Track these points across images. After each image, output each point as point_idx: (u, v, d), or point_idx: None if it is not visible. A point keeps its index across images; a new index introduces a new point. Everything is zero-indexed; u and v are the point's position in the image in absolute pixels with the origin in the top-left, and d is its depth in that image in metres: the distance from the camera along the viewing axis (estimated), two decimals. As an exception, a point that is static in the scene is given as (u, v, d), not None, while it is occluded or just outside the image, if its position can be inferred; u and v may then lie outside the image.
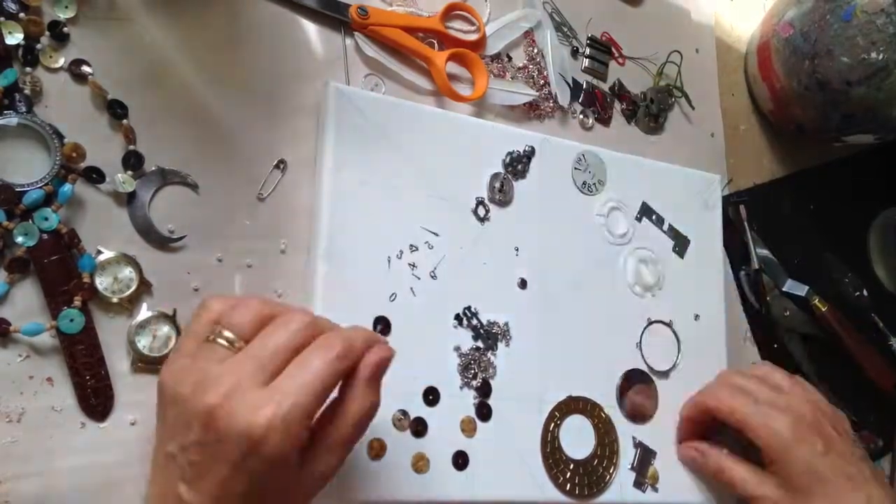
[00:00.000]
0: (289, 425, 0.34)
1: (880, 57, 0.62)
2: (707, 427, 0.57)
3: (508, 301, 0.53)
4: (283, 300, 0.47)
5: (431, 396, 0.49)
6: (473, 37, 0.57)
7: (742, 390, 0.55)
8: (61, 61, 0.43)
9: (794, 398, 0.54)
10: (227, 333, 0.36)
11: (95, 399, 0.41)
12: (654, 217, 0.61)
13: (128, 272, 0.43)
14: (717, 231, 0.65)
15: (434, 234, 0.51)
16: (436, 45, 0.56)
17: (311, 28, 0.52)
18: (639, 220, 0.60)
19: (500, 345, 0.52)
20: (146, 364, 0.42)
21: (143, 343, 0.42)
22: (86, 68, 0.43)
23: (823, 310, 0.71)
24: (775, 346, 0.70)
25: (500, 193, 0.54)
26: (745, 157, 0.73)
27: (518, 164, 0.55)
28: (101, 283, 0.42)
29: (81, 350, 0.40)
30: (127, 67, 0.45)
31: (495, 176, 0.54)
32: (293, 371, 0.35)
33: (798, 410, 0.53)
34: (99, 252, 0.42)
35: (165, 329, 0.43)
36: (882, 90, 0.64)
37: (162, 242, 0.44)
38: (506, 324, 0.52)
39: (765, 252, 0.70)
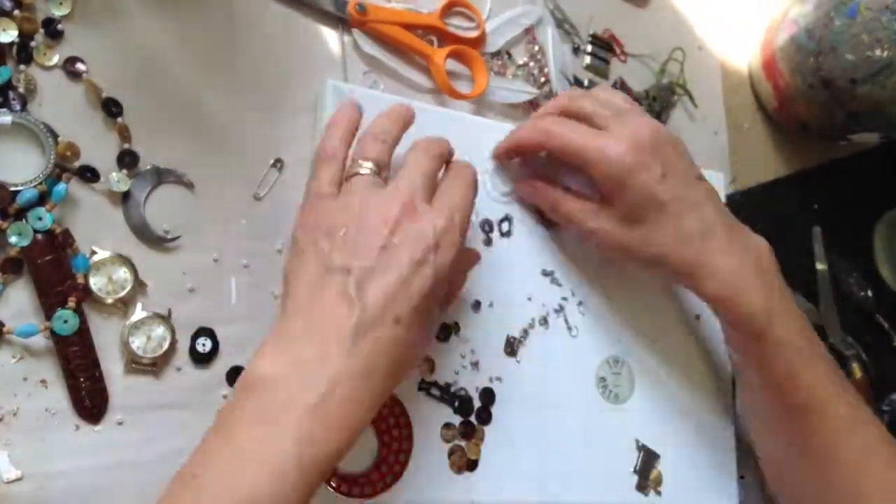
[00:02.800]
0: (455, 235, 0.40)
1: (885, 54, 0.62)
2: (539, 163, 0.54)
3: (515, 300, 0.52)
4: (281, 300, 0.47)
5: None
6: (473, 34, 0.56)
7: (575, 117, 0.50)
8: (55, 59, 0.42)
9: (632, 121, 0.49)
10: (368, 164, 0.41)
11: (90, 401, 0.40)
12: None
13: (122, 273, 0.42)
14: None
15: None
16: (435, 42, 0.55)
17: (308, 25, 0.51)
18: None
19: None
20: (139, 365, 0.42)
21: (137, 344, 0.42)
22: (80, 66, 0.43)
23: (857, 377, 0.69)
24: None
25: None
26: (748, 156, 0.73)
27: None
28: (96, 283, 0.41)
29: (76, 352, 0.40)
30: (122, 65, 0.44)
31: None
32: (447, 191, 0.42)
33: (636, 134, 0.48)
34: (93, 252, 0.42)
35: (160, 330, 0.42)
36: (887, 88, 0.63)
37: (157, 242, 0.44)
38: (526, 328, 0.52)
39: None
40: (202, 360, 0.44)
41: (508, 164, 0.54)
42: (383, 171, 0.42)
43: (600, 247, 0.52)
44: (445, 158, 0.44)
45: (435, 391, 0.48)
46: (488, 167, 0.53)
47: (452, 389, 0.49)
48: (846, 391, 0.50)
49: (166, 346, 0.42)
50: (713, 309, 0.51)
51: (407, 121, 0.45)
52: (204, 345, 0.44)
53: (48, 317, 0.40)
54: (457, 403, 0.49)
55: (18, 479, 0.38)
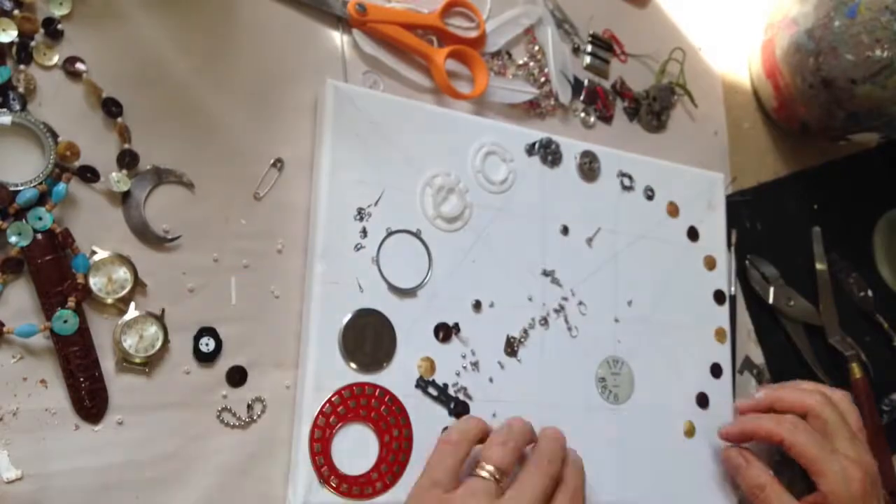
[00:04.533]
0: None
1: (885, 54, 0.62)
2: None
3: (516, 300, 0.53)
4: (280, 301, 0.47)
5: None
6: (473, 34, 0.56)
7: (818, 429, 0.54)
8: (55, 59, 0.42)
9: (864, 450, 0.53)
10: (490, 468, 0.43)
11: (90, 401, 0.40)
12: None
13: (122, 272, 0.42)
14: (720, 230, 0.64)
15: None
16: (435, 42, 0.55)
17: (308, 25, 0.51)
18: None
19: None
20: (131, 364, 0.42)
21: (129, 343, 0.42)
22: (80, 66, 0.43)
23: (857, 377, 0.70)
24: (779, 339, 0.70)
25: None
26: (748, 156, 0.73)
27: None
28: (96, 283, 0.41)
29: (76, 352, 0.40)
30: (122, 65, 0.44)
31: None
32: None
33: (871, 465, 0.53)
34: (93, 252, 0.42)
35: (153, 329, 0.42)
36: (887, 88, 0.63)
37: (157, 242, 0.44)
38: (526, 328, 0.52)
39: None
40: (205, 359, 0.44)
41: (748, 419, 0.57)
42: (504, 478, 0.44)
43: None
44: (559, 475, 0.46)
45: (432, 390, 0.48)
46: (479, 166, 0.53)
47: (450, 391, 0.49)
48: None
49: (158, 345, 0.42)
50: None
51: (533, 436, 0.48)
52: (207, 344, 0.44)
53: (48, 317, 0.40)
54: (452, 405, 0.49)
55: (18, 479, 0.38)
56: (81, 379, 0.40)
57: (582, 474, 0.47)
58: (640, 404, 0.56)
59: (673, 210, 0.61)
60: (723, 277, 0.63)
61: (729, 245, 0.65)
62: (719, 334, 0.62)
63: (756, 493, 0.54)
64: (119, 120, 0.43)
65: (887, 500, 0.55)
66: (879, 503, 0.52)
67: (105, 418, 0.41)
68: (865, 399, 0.69)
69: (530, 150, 0.55)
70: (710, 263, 0.63)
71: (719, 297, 0.62)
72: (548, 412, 0.52)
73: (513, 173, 0.54)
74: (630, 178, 0.59)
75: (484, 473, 0.43)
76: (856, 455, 0.52)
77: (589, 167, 0.57)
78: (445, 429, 0.48)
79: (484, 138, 0.54)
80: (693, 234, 0.62)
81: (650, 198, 0.60)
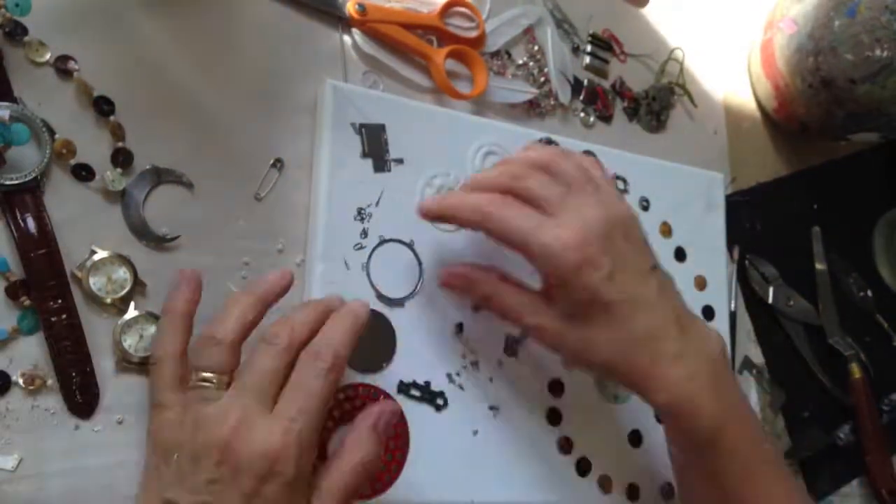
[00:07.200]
0: (302, 444, 0.36)
1: (884, 54, 0.62)
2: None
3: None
4: (279, 301, 0.46)
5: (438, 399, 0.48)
6: (473, 33, 0.56)
7: (522, 196, 0.45)
8: (47, 56, 0.42)
9: (582, 203, 0.44)
10: (206, 374, 0.38)
11: (81, 396, 0.40)
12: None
13: (122, 272, 0.42)
14: (720, 230, 0.64)
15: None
16: (434, 42, 0.55)
17: (308, 25, 0.51)
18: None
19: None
20: (130, 364, 0.42)
21: (129, 342, 0.41)
22: (72, 64, 0.43)
23: (856, 377, 0.70)
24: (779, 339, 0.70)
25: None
26: (748, 156, 0.73)
27: None
28: (95, 283, 0.41)
29: (67, 346, 0.40)
30: (119, 64, 0.44)
31: None
32: (291, 394, 0.37)
33: (585, 223, 0.43)
34: (93, 252, 0.42)
35: (152, 329, 0.42)
36: (887, 88, 0.63)
37: (157, 242, 0.44)
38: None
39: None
40: None
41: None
42: (226, 374, 0.38)
43: (542, 344, 0.46)
44: (303, 343, 0.39)
45: (415, 391, 0.48)
46: (479, 166, 0.53)
47: (432, 388, 0.49)
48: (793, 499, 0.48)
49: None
50: (662, 419, 0.48)
51: (264, 298, 0.40)
52: None
53: (42, 311, 0.40)
54: (439, 401, 0.48)
55: (18, 479, 0.38)
56: (73, 374, 0.40)
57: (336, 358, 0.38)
58: (641, 404, 0.56)
59: (666, 230, 0.61)
60: (713, 294, 0.62)
61: (730, 254, 0.65)
62: None
63: (488, 304, 0.47)
64: (112, 118, 0.43)
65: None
66: (619, 260, 0.43)
67: (105, 418, 0.41)
68: (865, 399, 0.69)
69: None
70: (701, 283, 0.62)
71: (708, 312, 0.62)
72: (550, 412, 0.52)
73: None
74: (624, 181, 0.59)
75: (200, 383, 0.37)
76: (569, 212, 0.43)
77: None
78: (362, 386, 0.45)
79: (484, 138, 0.54)
80: (680, 254, 0.61)
81: (645, 208, 0.60)
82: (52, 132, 0.41)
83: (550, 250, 0.42)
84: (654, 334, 0.44)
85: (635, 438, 0.56)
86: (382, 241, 0.49)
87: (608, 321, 0.43)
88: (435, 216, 0.47)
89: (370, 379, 0.47)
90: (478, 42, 0.57)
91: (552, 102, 0.60)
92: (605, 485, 0.54)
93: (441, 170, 0.51)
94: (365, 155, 0.49)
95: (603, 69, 0.64)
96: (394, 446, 0.46)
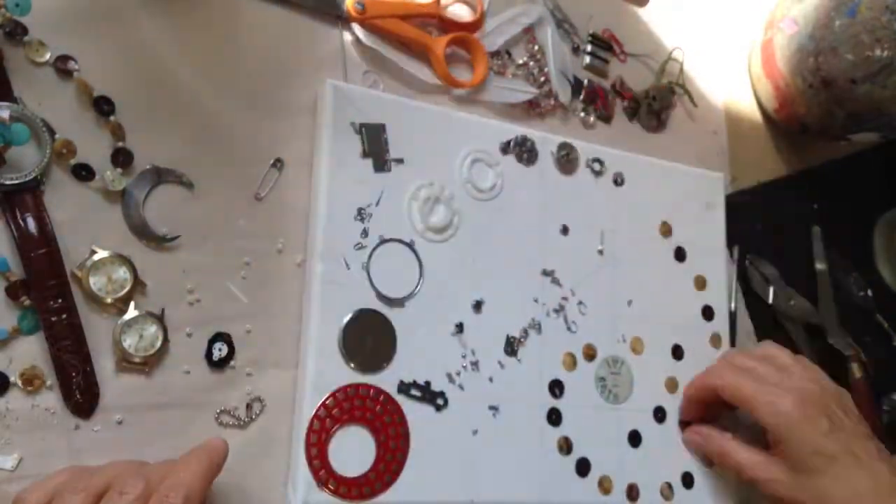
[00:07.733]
0: None
1: (885, 54, 0.62)
2: (711, 408, 0.57)
3: (515, 300, 0.52)
4: (280, 301, 0.47)
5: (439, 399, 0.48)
6: (471, 17, 0.56)
7: (746, 370, 0.54)
8: (48, 56, 0.42)
9: (799, 377, 0.53)
10: None
11: (80, 396, 0.40)
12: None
13: (122, 272, 0.42)
14: (720, 230, 0.64)
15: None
16: (434, 33, 0.55)
17: (308, 24, 0.51)
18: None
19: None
20: (130, 364, 0.42)
21: (129, 342, 0.42)
22: (72, 64, 0.43)
23: (857, 377, 0.69)
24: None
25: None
26: (748, 156, 0.73)
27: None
28: (95, 283, 0.41)
29: (67, 346, 0.40)
30: (119, 65, 0.44)
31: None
32: None
33: (803, 389, 0.52)
34: (93, 252, 0.42)
35: (152, 329, 0.42)
36: (887, 87, 0.63)
37: (157, 242, 0.44)
38: (526, 328, 0.52)
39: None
40: (218, 365, 0.44)
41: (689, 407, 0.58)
42: None
43: (772, 497, 0.52)
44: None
45: (415, 391, 0.48)
46: (467, 172, 0.53)
47: (432, 388, 0.49)
48: None
49: (158, 345, 0.42)
50: None
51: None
52: (220, 349, 0.44)
53: (42, 311, 0.40)
54: (440, 402, 0.48)
55: (18, 479, 0.38)
56: (73, 374, 0.40)
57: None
58: (641, 404, 0.56)
59: (665, 230, 0.61)
60: (713, 294, 0.62)
61: (730, 254, 0.65)
62: (714, 340, 0.62)
63: (723, 461, 0.55)
64: (112, 118, 0.43)
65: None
66: (836, 420, 0.50)
67: (98, 415, 0.41)
68: (865, 399, 0.69)
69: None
70: (701, 283, 0.62)
71: (708, 312, 0.62)
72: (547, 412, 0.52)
73: (501, 177, 0.54)
74: (601, 162, 0.59)
75: None
76: (788, 382, 0.52)
77: (597, 171, 0.58)
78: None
79: (484, 138, 0.54)
80: (680, 254, 0.61)
81: (644, 211, 0.60)
82: (52, 132, 0.41)
83: (776, 409, 0.50)
84: (880, 491, 0.48)
85: (635, 438, 0.56)
86: (382, 241, 0.49)
87: (833, 474, 0.49)
88: (695, 400, 0.57)
89: (370, 379, 0.47)
90: (476, 25, 0.56)
91: (552, 102, 0.60)
92: (604, 485, 0.54)
93: (425, 180, 0.51)
94: (365, 155, 0.49)
95: (603, 69, 0.64)
96: (395, 447, 0.46)
